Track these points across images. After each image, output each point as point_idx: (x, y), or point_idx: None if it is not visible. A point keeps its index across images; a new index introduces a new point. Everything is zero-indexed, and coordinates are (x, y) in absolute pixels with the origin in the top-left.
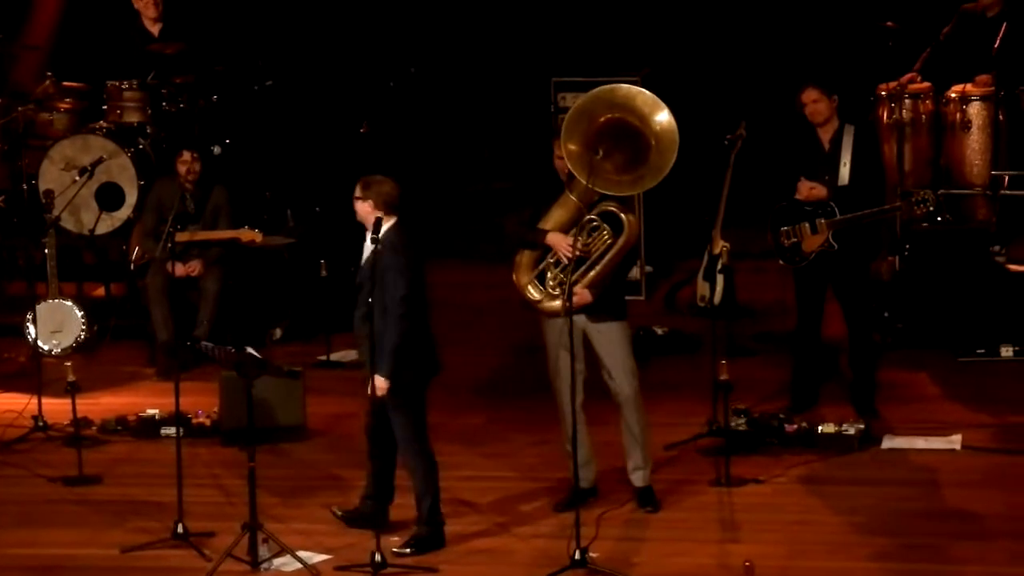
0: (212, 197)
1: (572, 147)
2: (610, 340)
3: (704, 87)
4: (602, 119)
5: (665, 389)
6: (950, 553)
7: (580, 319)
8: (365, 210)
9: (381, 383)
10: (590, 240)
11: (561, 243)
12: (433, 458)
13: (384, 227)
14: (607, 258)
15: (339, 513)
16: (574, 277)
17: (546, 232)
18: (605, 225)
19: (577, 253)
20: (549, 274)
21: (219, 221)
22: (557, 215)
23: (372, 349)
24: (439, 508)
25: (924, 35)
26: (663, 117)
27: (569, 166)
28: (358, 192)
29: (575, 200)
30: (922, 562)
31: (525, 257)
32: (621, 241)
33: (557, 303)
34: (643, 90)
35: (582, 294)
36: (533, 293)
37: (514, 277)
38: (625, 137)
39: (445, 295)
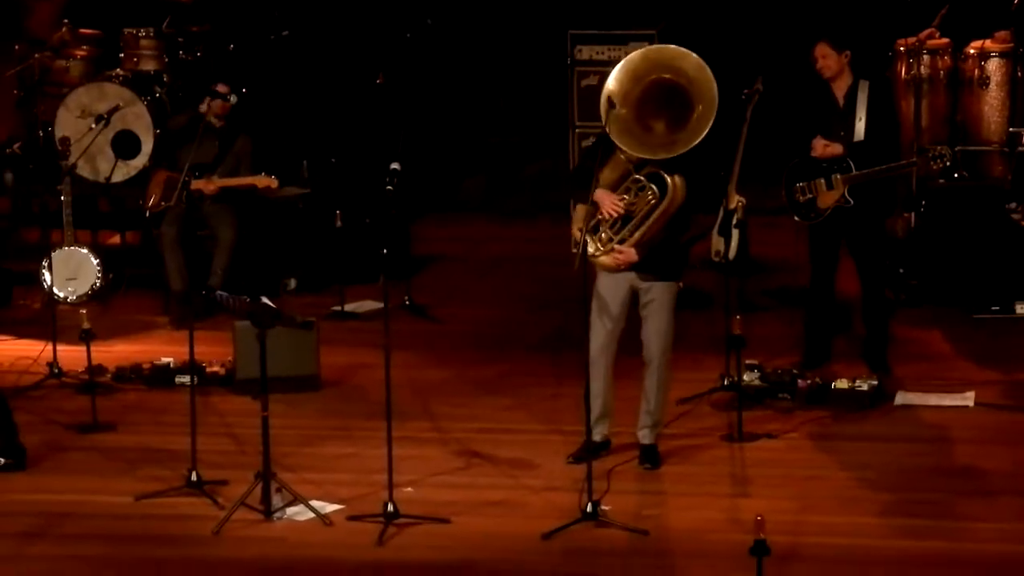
0: (236, 145)
1: (621, 111)
2: (653, 301)
3: (721, 41)
4: (648, 80)
5: (678, 343)
6: (957, 509)
7: (629, 275)
8: None
9: None
10: (635, 200)
11: (606, 201)
12: None
13: None
14: (652, 219)
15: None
16: (620, 235)
17: (596, 188)
18: (652, 186)
19: (618, 212)
20: (601, 228)
21: (240, 170)
22: (608, 173)
23: None
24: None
25: None
26: (709, 82)
27: (608, 128)
28: None
29: (624, 159)
30: (930, 517)
31: (581, 210)
32: (665, 203)
33: (607, 258)
34: (690, 52)
35: (628, 252)
36: (588, 246)
37: (572, 229)
38: (670, 100)
39: (459, 248)
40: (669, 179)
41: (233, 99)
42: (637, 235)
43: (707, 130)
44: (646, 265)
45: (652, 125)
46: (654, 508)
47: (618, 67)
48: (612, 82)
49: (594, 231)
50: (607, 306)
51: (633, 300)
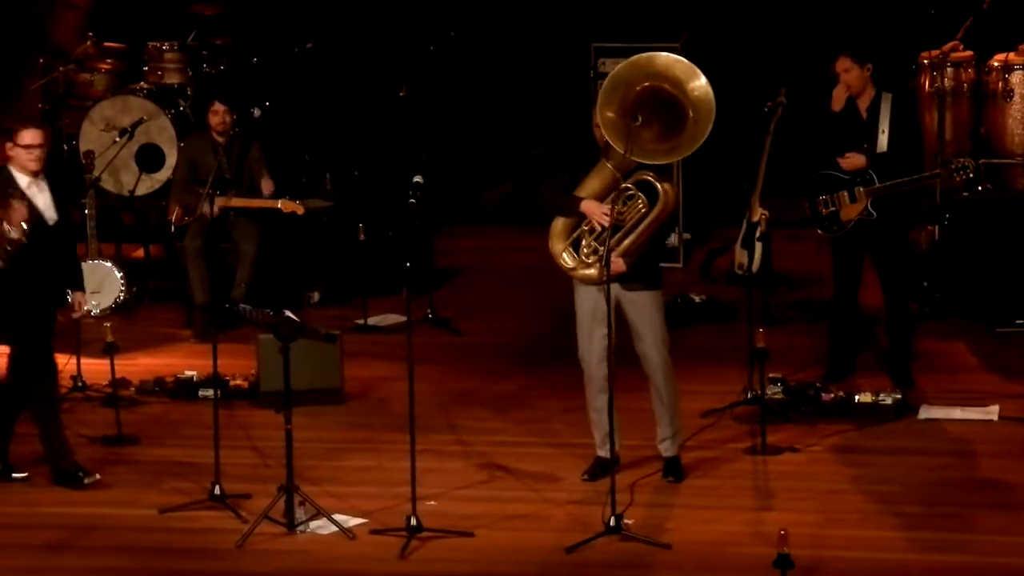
0: (248, 157)
1: (609, 115)
2: (643, 309)
3: (744, 53)
4: (639, 87)
5: (702, 357)
6: (981, 523)
7: (614, 287)
8: None
9: None
10: (625, 208)
11: (595, 211)
12: None
13: None
14: (641, 227)
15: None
16: (607, 245)
17: (581, 199)
18: (641, 194)
19: (612, 221)
20: (583, 242)
21: (255, 180)
22: (593, 183)
23: None
24: None
25: (967, 3)
26: (701, 86)
27: (605, 134)
28: None
29: (611, 168)
30: (952, 531)
31: (560, 224)
32: (656, 210)
33: (591, 271)
34: (681, 59)
35: (616, 263)
36: (567, 260)
37: (549, 244)
38: (662, 106)
39: (478, 260)
40: (659, 186)
41: (257, 113)
42: (626, 244)
43: (707, 134)
44: (630, 275)
45: (643, 132)
46: (677, 521)
47: (608, 78)
48: (603, 92)
49: (574, 245)
50: (595, 321)
51: (619, 313)
